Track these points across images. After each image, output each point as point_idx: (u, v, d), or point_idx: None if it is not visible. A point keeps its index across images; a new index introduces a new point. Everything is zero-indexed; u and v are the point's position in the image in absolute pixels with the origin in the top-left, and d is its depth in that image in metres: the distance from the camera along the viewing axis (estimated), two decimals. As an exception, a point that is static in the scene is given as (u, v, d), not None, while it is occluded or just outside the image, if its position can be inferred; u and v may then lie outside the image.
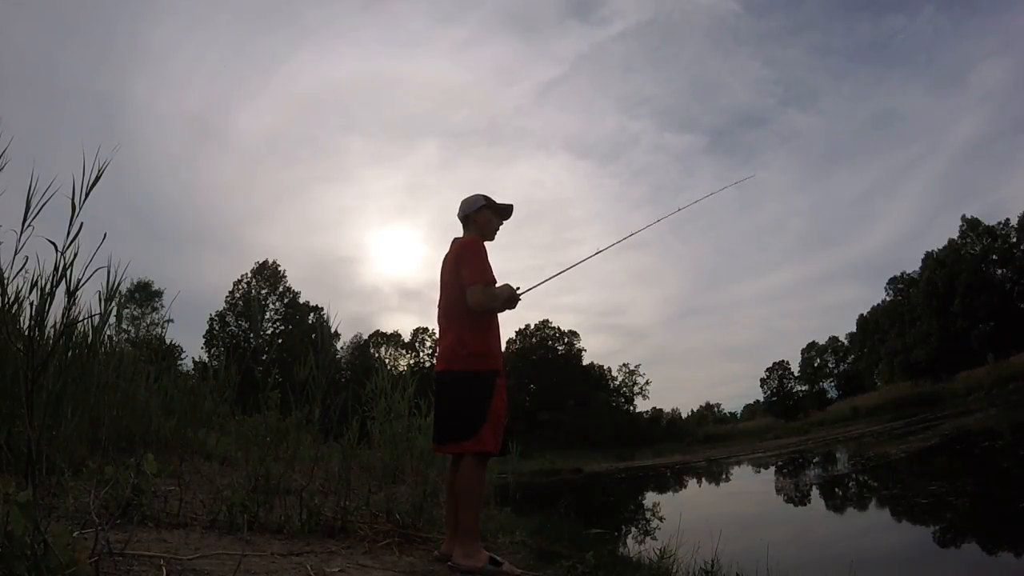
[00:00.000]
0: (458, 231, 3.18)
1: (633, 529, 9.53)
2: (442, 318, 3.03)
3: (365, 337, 51.35)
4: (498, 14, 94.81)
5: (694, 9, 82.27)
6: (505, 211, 3.19)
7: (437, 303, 3.07)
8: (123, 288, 3.57)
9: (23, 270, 2.00)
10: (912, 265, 46.39)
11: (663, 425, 50.20)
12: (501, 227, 3.21)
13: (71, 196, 1.84)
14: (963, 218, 40.64)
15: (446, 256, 3.09)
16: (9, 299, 2.42)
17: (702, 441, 43.13)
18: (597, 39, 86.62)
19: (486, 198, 3.14)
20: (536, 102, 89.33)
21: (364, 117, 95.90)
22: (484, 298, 2.84)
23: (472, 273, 2.86)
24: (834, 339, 53.66)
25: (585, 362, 52.64)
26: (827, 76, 75.34)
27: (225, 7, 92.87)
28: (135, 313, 34.47)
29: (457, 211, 3.17)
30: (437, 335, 3.13)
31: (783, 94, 78.25)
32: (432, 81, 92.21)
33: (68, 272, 1.94)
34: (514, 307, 3.03)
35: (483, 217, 3.12)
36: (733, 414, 61.11)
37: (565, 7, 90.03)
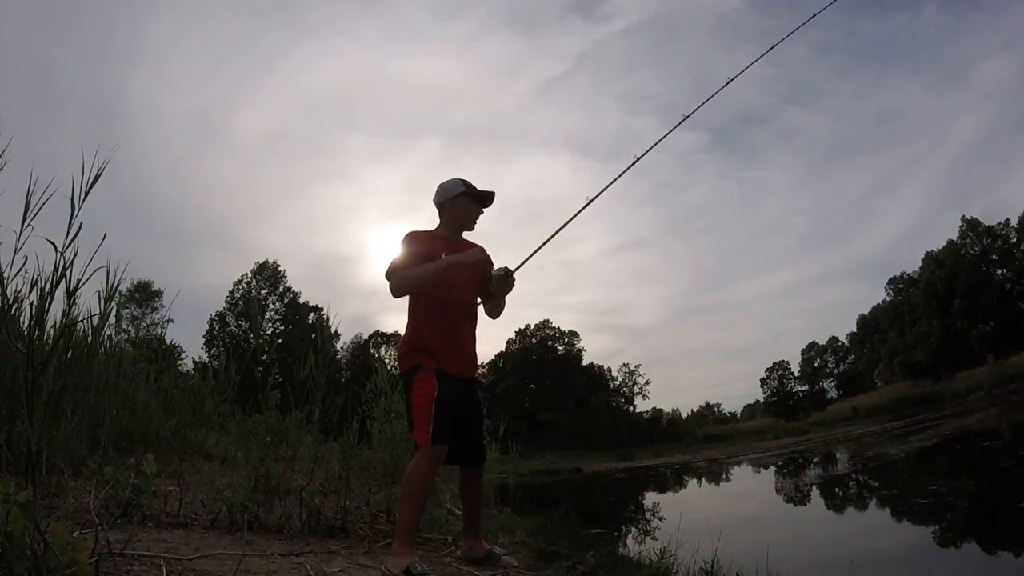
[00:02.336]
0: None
1: (633, 529, 9.53)
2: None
3: (365, 337, 51.40)
4: (500, 11, 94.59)
5: (696, 6, 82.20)
6: (486, 199, 2.83)
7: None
8: (123, 288, 3.59)
9: (23, 270, 2.00)
10: (912, 265, 46.41)
11: (663, 425, 50.18)
12: (481, 216, 2.85)
13: (70, 196, 1.84)
14: (963, 218, 40.73)
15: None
16: (9, 299, 2.42)
17: (702, 441, 43.10)
18: (599, 36, 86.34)
19: (465, 183, 2.77)
20: (538, 99, 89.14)
21: (364, 115, 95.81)
22: None
23: None
24: (834, 339, 53.70)
25: (585, 362, 52.72)
26: (829, 74, 75.23)
27: (224, 3, 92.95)
28: (135, 313, 34.49)
29: (433, 196, 2.83)
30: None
31: (785, 92, 78.03)
32: (433, 78, 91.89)
33: (68, 272, 1.94)
34: None
35: (461, 205, 2.78)
36: (733, 414, 61.01)
37: (567, 4, 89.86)
